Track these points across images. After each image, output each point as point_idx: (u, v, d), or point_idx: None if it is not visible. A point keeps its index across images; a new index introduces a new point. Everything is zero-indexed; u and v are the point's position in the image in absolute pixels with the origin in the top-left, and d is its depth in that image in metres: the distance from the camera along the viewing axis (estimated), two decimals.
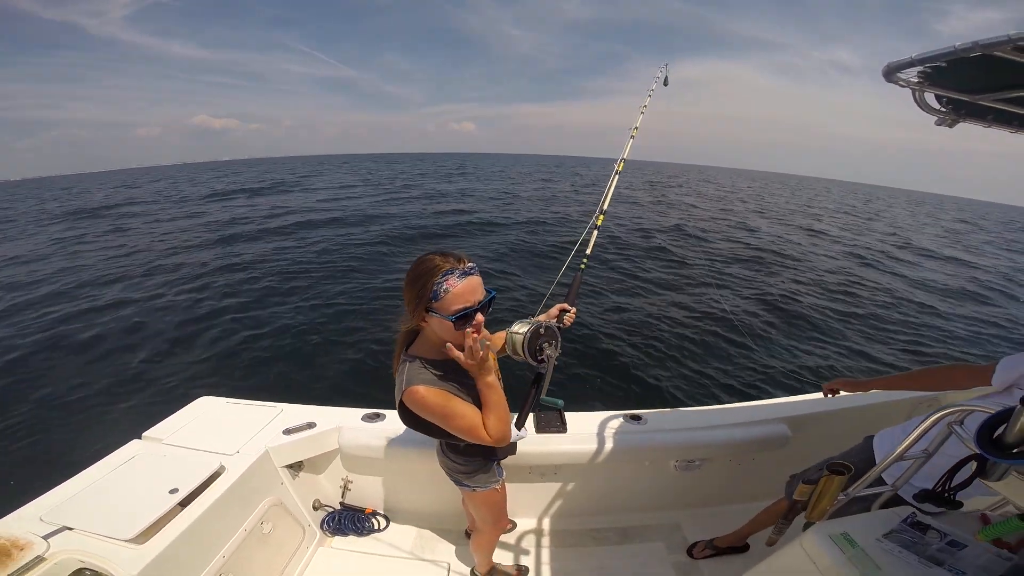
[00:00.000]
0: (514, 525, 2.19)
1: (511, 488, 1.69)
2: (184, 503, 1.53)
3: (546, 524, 2.22)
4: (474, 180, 33.68)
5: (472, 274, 1.12)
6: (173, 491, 1.52)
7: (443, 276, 1.08)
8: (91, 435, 3.78)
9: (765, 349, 5.60)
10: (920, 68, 1.07)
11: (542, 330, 1.34)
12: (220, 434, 1.87)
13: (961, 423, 1.05)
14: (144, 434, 1.86)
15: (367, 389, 4.28)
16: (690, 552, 2.10)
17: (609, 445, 2.00)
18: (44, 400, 4.42)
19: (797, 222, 19.25)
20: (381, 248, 10.42)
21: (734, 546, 2.04)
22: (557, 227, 13.19)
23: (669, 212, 19.10)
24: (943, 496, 1.06)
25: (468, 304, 1.10)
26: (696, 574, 1.98)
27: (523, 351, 1.31)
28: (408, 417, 1.27)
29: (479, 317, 1.16)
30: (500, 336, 1.48)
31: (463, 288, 1.10)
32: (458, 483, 1.52)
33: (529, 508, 2.22)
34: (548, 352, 1.35)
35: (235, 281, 7.93)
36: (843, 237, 15.97)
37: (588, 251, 1.86)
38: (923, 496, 1.08)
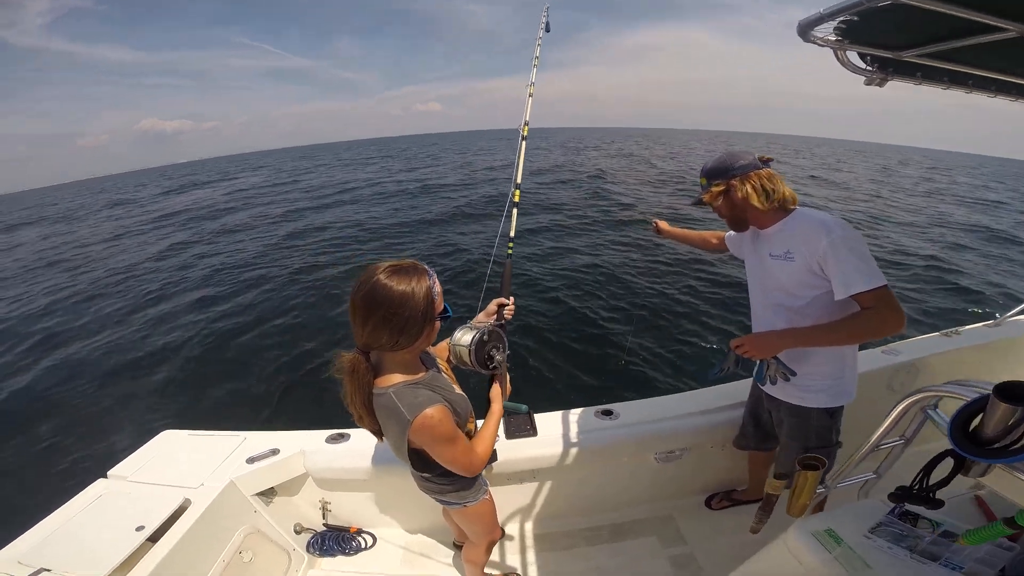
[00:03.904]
0: (504, 534, 2.23)
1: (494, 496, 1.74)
2: (154, 538, 1.64)
3: (536, 529, 2.29)
4: (403, 163, 32.89)
5: None
6: (140, 528, 1.64)
7: (432, 281, 1.12)
8: (57, 475, 3.85)
9: (730, 322, 5.76)
10: (835, 24, 1.05)
11: (485, 336, 1.36)
12: (183, 468, 1.98)
13: (935, 407, 1.04)
14: (109, 472, 1.97)
15: (326, 409, 4.22)
16: (708, 504, 2.32)
17: (583, 444, 2.07)
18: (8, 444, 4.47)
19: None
20: (275, 260, 9.71)
21: (751, 499, 2.27)
22: (481, 211, 12.98)
23: (600, 175, 20.14)
24: (922, 495, 0.99)
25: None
26: (693, 566, 2.06)
27: (471, 361, 1.34)
28: (415, 455, 1.24)
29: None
30: (442, 348, 1.48)
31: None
32: (446, 503, 1.51)
33: (515, 514, 2.30)
34: (498, 358, 1.40)
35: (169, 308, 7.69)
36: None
37: (511, 233, 1.86)
38: (899, 495, 1.02)
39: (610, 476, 2.25)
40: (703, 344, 5.15)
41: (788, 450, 1.76)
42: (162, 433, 2.24)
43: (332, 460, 2.11)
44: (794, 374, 1.55)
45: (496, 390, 1.43)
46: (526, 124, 2.17)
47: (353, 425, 2.26)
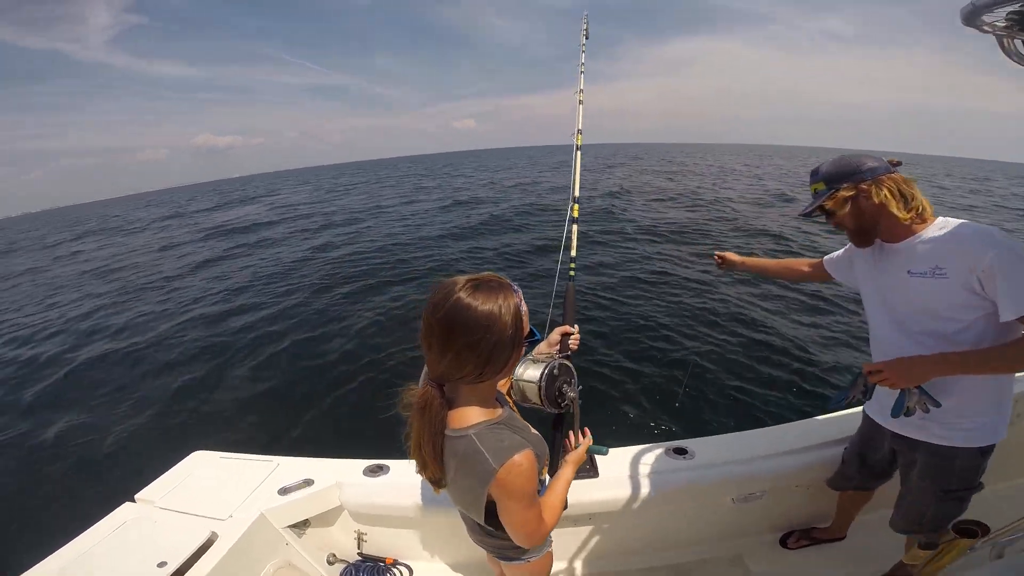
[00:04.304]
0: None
1: None
2: (179, 574, 1.51)
3: (586, 568, 2.09)
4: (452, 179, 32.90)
5: None
6: (162, 564, 1.50)
7: (519, 299, 0.96)
8: (87, 491, 3.80)
9: (824, 352, 5.18)
10: (1012, 8, 0.93)
11: (555, 370, 1.21)
12: (212, 495, 1.86)
13: None
14: (137, 496, 1.87)
15: (364, 436, 4.04)
16: (784, 543, 2.08)
17: (653, 486, 1.85)
18: (40, 453, 4.51)
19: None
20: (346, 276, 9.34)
21: (833, 537, 2.06)
22: (539, 226, 12.56)
23: (657, 191, 19.10)
24: None
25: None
26: None
27: (541, 399, 1.19)
28: (489, 515, 1.02)
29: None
30: (503, 384, 1.33)
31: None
32: (507, 559, 1.31)
33: (565, 552, 2.10)
34: (570, 394, 1.25)
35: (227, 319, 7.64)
36: None
37: (573, 252, 1.74)
38: None
39: (677, 518, 2.03)
40: (779, 375, 4.68)
41: (921, 494, 1.49)
42: (193, 454, 2.13)
43: (370, 495, 1.93)
44: (937, 405, 1.29)
45: (574, 454, 1.20)
46: (579, 133, 2.06)
47: (392, 455, 2.11)
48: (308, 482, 1.92)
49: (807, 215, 1.42)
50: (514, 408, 1.20)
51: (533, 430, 1.11)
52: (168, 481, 1.94)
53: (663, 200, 16.32)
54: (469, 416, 0.97)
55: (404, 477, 1.95)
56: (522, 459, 0.92)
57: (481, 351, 0.90)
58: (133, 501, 1.85)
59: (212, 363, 5.91)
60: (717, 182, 23.71)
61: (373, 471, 1.99)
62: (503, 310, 0.90)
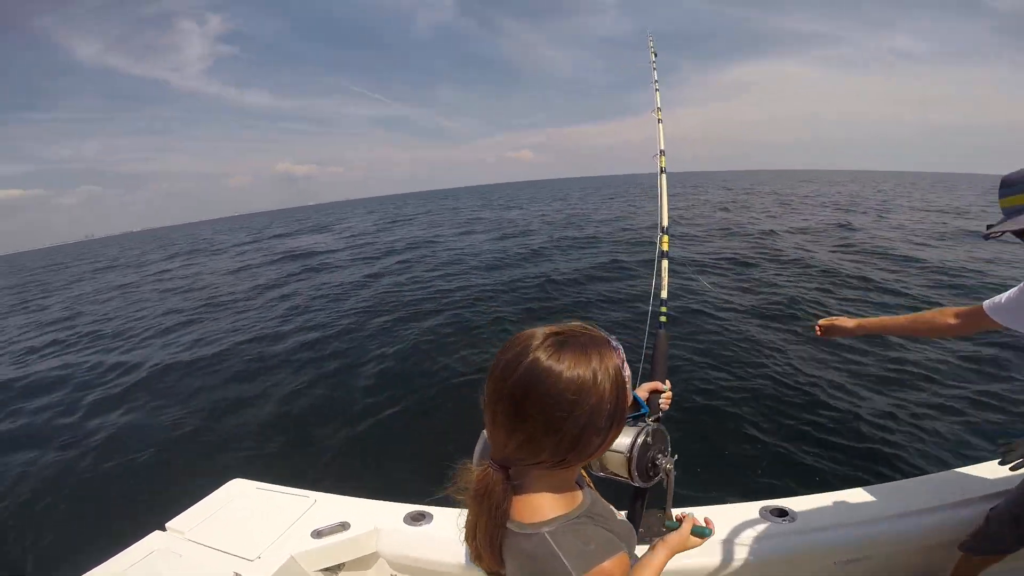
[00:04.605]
0: None
1: None
2: None
3: None
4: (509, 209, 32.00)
5: None
6: None
7: (621, 359, 0.72)
8: (120, 512, 3.68)
9: (947, 395, 4.31)
10: None
11: (648, 438, 0.97)
12: (244, 530, 1.72)
13: None
14: (168, 524, 1.76)
15: (408, 476, 3.71)
16: None
17: (748, 553, 1.55)
18: (85, 459, 4.55)
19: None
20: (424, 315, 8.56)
21: None
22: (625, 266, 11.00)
23: (750, 222, 17.09)
24: None
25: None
26: None
27: (631, 472, 0.95)
28: None
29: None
30: None
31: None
32: None
33: None
34: (666, 465, 1.01)
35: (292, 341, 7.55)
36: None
37: (664, 294, 1.49)
38: None
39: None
40: (889, 425, 3.86)
41: None
42: (230, 482, 2.03)
43: (410, 545, 1.73)
44: None
45: (676, 538, 0.91)
46: (662, 154, 1.86)
47: (436, 501, 1.90)
48: (344, 525, 1.74)
49: (989, 236, 1.12)
50: (590, 483, 0.94)
51: (619, 514, 0.86)
52: (201, 511, 1.84)
53: (727, 232, 15.28)
54: (542, 508, 0.72)
55: (448, 530, 1.73)
56: (613, 566, 0.67)
57: (565, 433, 0.66)
58: (163, 529, 1.75)
59: (261, 384, 5.86)
60: (778, 210, 21.85)
61: (415, 519, 1.79)
62: (599, 376, 0.66)
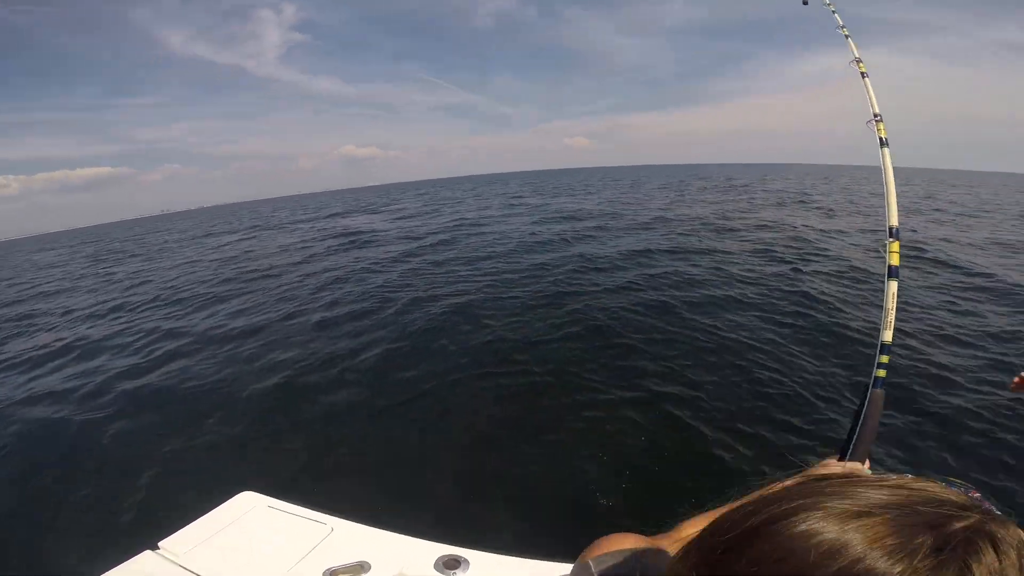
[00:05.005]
0: None
1: None
2: None
3: None
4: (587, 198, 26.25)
5: None
6: None
7: None
8: (114, 524, 3.23)
9: None
10: None
11: None
12: (247, 561, 1.43)
13: None
14: (162, 543, 1.49)
15: (441, 508, 3.11)
16: None
17: None
18: (88, 443, 4.31)
19: None
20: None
21: None
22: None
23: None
24: None
25: None
26: None
27: None
28: None
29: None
30: None
31: None
32: None
33: None
34: None
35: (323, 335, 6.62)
36: None
37: (887, 336, 0.98)
38: None
39: None
40: None
41: None
42: (240, 495, 1.75)
43: None
44: None
45: None
46: (878, 120, 1.33)
47: (473, 542, 1.55)
48: (363, 567, 1.41)
49: None
50: None
51: None
52: (202, 529, 1.56)
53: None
54: None
55: None
56: None
57: None
58: (156, 548, 1.49)
59: (282, 373, 5.31)
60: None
61: (449, 565, 1.43)
62: None
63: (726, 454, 3.40)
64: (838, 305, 6.32)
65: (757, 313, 6.15)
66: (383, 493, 3.30)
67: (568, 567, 1.28)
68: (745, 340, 5.24)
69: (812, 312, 6.09)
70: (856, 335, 5.27)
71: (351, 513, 1.64)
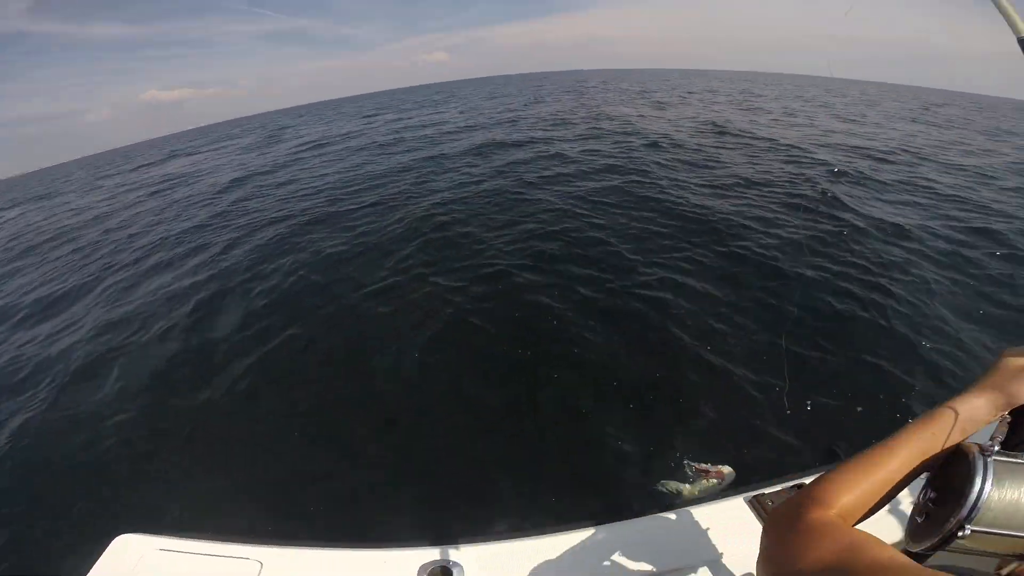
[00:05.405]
0: None
1: None
2: None
3: None
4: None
5: None
6: None
7: None
8: None
9: None
10: None
11: None
12: None
13: None
14: None
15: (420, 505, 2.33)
16: None
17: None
18: None
19: None
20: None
21: None
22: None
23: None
24: None
25: None
26: None
27: None
28: None
29: None
30: None
31: None
32: None
33: None
34: None
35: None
36: None
37: None
38: None
39: None
40: None
41: None
42: (115, 541, 1.22)
43: None
44: None
45: None
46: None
47: (466, 537, 1.24)
48: None
49: None
50: None
51: None
52: None
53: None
54: None
55: None
56: None
57: None
58: None
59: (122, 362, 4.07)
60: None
61: None
62: None
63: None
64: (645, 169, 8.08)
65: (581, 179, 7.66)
66: (315, 501, 2.27)
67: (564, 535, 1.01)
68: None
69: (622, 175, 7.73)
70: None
71: (281, 537, 1.23)
